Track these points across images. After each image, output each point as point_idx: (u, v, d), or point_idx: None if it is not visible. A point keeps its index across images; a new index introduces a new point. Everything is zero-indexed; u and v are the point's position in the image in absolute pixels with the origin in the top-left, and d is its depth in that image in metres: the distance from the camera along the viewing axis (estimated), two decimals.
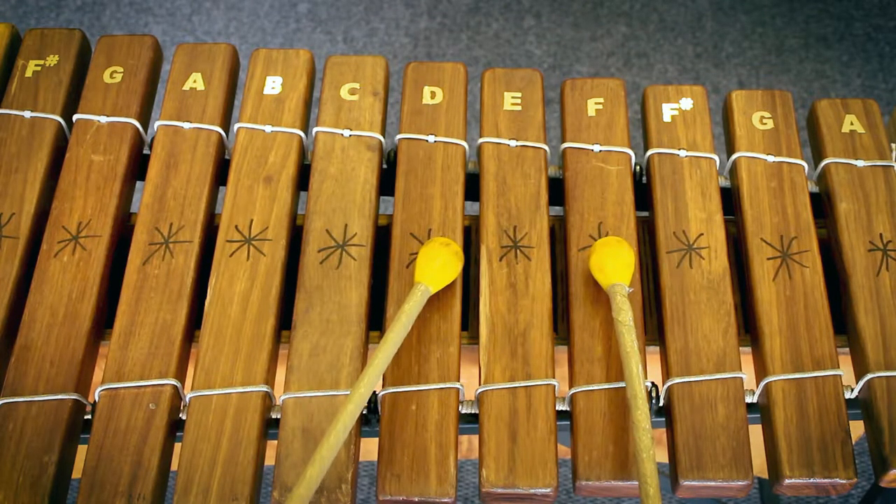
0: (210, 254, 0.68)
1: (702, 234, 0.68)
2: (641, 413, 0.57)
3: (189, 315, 0.65)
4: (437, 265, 0.63)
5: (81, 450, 0.62)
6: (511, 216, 0.69)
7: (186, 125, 0.73)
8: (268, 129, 0.73)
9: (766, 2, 1.77)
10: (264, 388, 0.62)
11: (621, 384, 0.62)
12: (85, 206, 0.69)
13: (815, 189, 0.74)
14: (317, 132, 0.73)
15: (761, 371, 0.64)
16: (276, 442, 0.61)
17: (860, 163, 0.72)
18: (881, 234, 0.68)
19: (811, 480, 0.59)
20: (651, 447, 0.56)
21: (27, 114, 0.73)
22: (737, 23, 1.74)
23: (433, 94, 0.75)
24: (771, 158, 0.72)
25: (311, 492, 0.55)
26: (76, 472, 0.64)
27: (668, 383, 0.63)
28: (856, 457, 0.60)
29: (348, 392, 0.61)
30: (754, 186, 0.71)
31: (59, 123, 0.73)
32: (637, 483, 0.59)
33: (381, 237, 0.71)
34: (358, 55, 0.78)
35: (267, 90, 0.75)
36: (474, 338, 0.67)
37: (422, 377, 0.63)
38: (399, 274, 0.66)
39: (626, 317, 0.61)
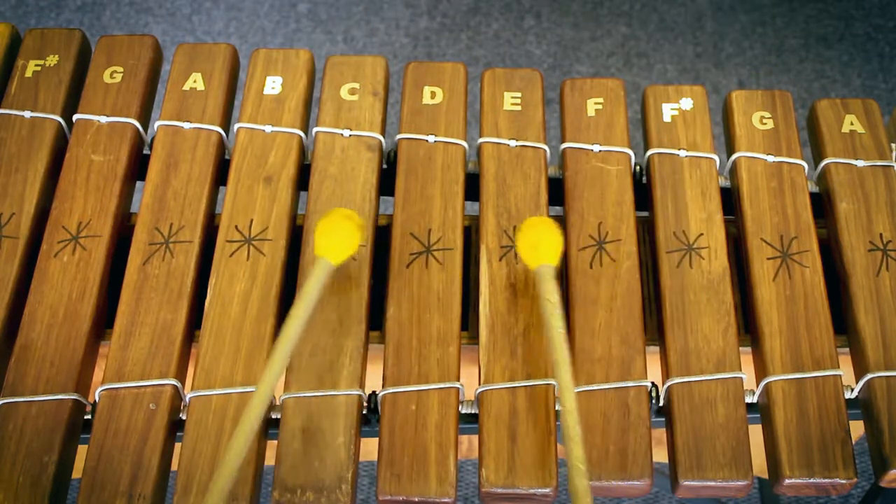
0: (210, 254, 0.68)
1: (702, 234, 0.68)
2: (570, 397, 0.57)
3: (189, 315, 0.65)
4: (338, 237, 0.62)
5: (81, 450, 0.62)
6: (511, 216, 0.69)
7: (186, 125, 0.73)
8: (268, 129, 0.73)
9: (766, 2, 1.77)
10: None
11: (621, 384, 0.62)
12: (85, 206, 0.69)
13: (816, 189, 0.74)
14: (317, 132, 0.73)
15: (761, 371, 0.64)
16: (276, 442, 0.61)
17: (860, 163, 0.72)
18: (881, 234, 0.68)
19: (811, 480, 0.59)
20: (579, 431, 0.56)
21: (27, 114, 0.73)
22: (737, 23, 1.74)
23: (433, 94, 0.75)
24: (771, 158, 0.72)
25: (223, 496, 0.54)
26: (76, 472, 0.64)
27: (668, 383, 0.63)
28: (856, 457, 0.60)
29: (348, 392, 0.62)
30: (754, 186, 0.71)
31: (59, 123, 0.73)
32: (638, 483, 0.59)
33: (381, 237, 0.71)
34: (358, 55, 0.78)
35: (267, 90, 0.75)
36: (474, 338, 0.67)
37: (422, 377, 0.63)
38: (399, 274, 0.66)
39: (557, 298, 0.61)
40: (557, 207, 0.74)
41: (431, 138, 0.73)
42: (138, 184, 0.74)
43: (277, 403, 0.63)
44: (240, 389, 0.62)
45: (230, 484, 0.55)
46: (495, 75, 0.76)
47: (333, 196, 0.70)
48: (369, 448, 0.67)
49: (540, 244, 0.63)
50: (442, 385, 0.62)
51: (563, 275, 0.70)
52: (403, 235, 0.68)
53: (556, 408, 0.62)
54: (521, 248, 0.64)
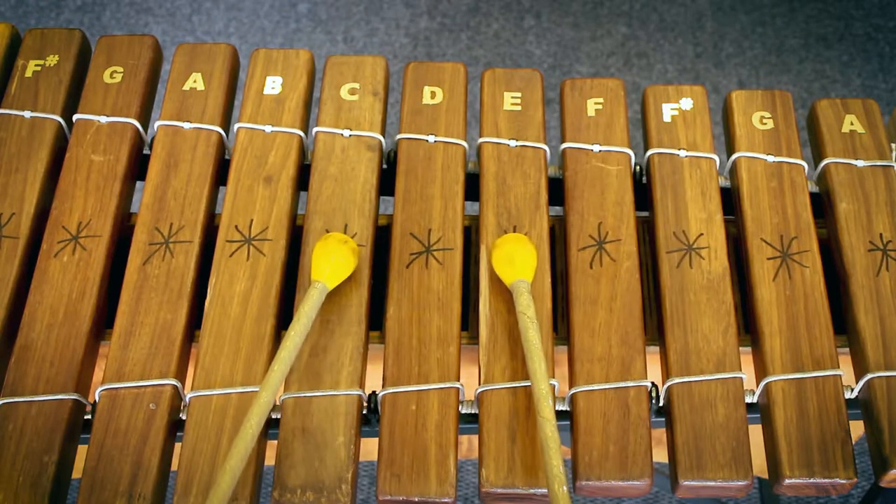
0: (210, 254, 0.68)
1: (702, 234, 0.68)
2: (547, 407, 0.58)
3: (189, 315, 0.65)
4: (334, 262, 0.63)
5: (81, 450, 0.62)
6: (511, 216, 0.69)
7: (186, 125, 0.73)
8: (268, 129, 0.73)
9: (766, 2, 1.77)
10: None
11: (621, 384, 0.62)
12: (85, 206, 0.69)
13: (815, 189, 0.74)
14: (317, 132, 0.73)
15: (761, 371, 0.64)
16: (276, 442, 0.61)
17: (860, 163, 0.72)
18: (881, 234, 0.68)
19: (811, 480, 0.59)
20: (559, 441, 0.57)
21: (27, 114, 0.73)
22: (737, 23, 1.74)
23: (433, 94, 0.75)
24: (771, 158, 0.72)
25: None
26: (76, 472, 0.64)
27: (668, 383, 0.63)
28: (856, 457, 0.60)
29: (348, 392, 0.62)
30: (754, 186, 0.71)
31: (59, 123, 0.73)
32: (638, 483, 0.59)
33: (382, 237, 0.71)
34: (358, 55, 0.78)
35: (267, 90, 0.75)
36: (474, 338, 0.67)
37: (422, 377, 0.63)
38: (399, 274, 0.66)
39: (533, 312, 0.62)
40: (557, 207, 0.74)
41: (431, 138, 0.73)
42: (138, 184, 0.74)
43: (277, 403, 0.63)
44: (240, 389, 0.62)
45: (229, 495, 0.55)
46: (495, 75, 0.76)
47: (333, 196, 0.70)
48: (369, 448, 0.67)
49: (515, 259, 0.64)
50: (442, 385, 0.62)
51: (564, 274, 0.70)
52: (403, 235, 0.68)
53: (557, 408, 0.63)
54: (496, 263, 0.65)
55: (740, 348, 0.65)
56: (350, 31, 1.74)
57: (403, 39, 1.72)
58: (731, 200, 0.73)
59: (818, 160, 0.74)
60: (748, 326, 0.68)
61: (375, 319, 0.66)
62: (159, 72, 0.79)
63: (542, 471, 0.59)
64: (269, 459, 0.64)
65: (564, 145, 0.73)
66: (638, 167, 0.73)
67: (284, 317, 0.66)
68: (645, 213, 0.73)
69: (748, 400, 0.63)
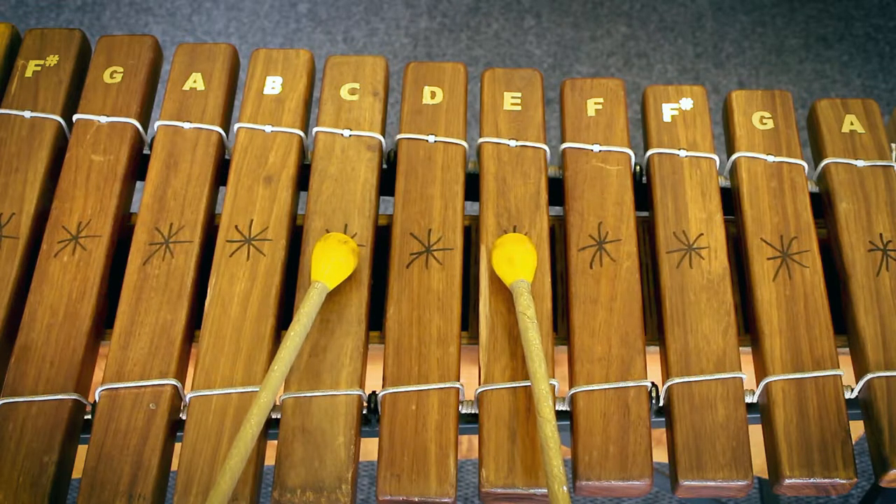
0: (210, 254, 0.68)
1: (702, 234, 0.68)
2: (547, 407, 0.58)
3: (189, 315, 0.65)
4: (334, 262, 0.63)
5: (81, 450, 0.62)
6: (511, 216, 0.69)
7: (186, 125, 0.73)
8: (268, 129, 0.73)
9: (766, 2, 1.77)
10: None
11: (621, 384, 0.62)
12: (85, 206, 0.69)
13: (815, 189, 0.74)
14: (317, 132, 0.73)
15: (761, 371, 0.64)
16: (276, 442, 0.61)
17: (860, 163, 0.72)
18: (881, 234, 0.68)
19: (811, 480, 0.59)
20: (558, 441, 0.57)
21: (27, 114, 0.73)
22: (737, 23, 1.74)
23: (433, 94, 0.75)
24: (771, 158, 0.72)
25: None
26: (76, 472, 0.64)
27: (668, 383, 0.63)
28: (856, 457, 0.60)
29: (348, 392, 0.62)
30: (754, 186, 0.71)
31: (59, 123, 0.73)
32: (638, 483, 0.59)
33: (382, 237, 0.71)
34: (358, 55, 0.78)
35: (267, 90, 0.75)
36: (474, 338, 0.67)
37: (422, 377, 0.63)
38: (399, 274, 0.66)
39: (533, 312, 0.62)
40: (557, 207, 0.74)
41: (431, 138, 0.73)
42: (138, 184, 0.74)
43: (277, 403, 0.63)
44: (240, 389, 0.62)
45: (229, 495, 0.55)
46: (495, 75, 0.76)
47: (333, 196, 0.70)
48: (369, 448, 0.67)
49: (514, 259, 0.64)
50: (442, 385, 0.62)
51: (564, 274, 0.70)
52: (403, 235, 0.68)
53: (557, 408, 0.63)
54: (496, 263, 0.65)
55: (740, 348, 0.65)
56: (350, 31, 1.74)
57: (403, 39, 1.72)
58: (731, 200, 0.73)
59: (818, 160, 0.74)
60: (748, 326, 0.68)
61: (375, 319, 0.66)
62: (159, 72, 0.79)
63: (542, 471, 0.59)
64: (269, 459, 0.64)
65: (564, 145, 0.73)
66: (638, 167, 0.73)
67: (284, 317, 0.66)
68: (645, 213, 0.73)
69: (748, 400, 0.63)
